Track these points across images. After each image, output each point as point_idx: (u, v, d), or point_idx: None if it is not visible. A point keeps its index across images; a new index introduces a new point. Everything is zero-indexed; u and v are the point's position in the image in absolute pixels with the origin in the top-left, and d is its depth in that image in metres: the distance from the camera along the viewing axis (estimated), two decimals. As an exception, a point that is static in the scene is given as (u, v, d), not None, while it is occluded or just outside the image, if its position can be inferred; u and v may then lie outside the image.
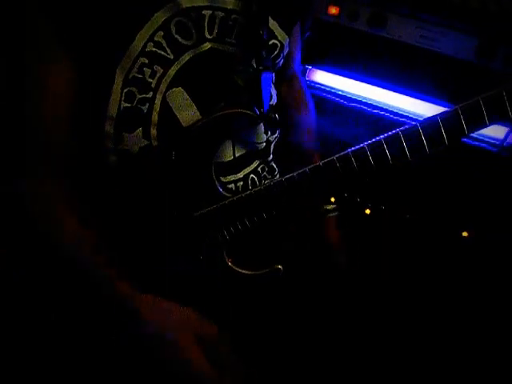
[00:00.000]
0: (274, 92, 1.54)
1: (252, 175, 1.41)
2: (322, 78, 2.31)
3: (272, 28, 1.38)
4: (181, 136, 1.26)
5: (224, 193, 1.31)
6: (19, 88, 1.14)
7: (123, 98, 1.20)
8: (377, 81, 2.26)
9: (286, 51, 1.45)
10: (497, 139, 2.11)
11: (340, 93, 2.30)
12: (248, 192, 1.28)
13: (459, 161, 2.11)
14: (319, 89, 2.32)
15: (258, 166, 1.44)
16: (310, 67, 2.31)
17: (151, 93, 1.22)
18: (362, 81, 2.27)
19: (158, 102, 1.23)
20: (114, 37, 1.14)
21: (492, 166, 2.13)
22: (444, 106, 2.15)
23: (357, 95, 2.29)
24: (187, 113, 1.26)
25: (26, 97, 1.15)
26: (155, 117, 1.24)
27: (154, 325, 1.11)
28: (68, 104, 1.17)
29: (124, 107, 1.21)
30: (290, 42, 1.48)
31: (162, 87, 1.22)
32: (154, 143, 1.25)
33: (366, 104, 2.28)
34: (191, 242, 1.29)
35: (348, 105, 2.30)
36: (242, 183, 1.38)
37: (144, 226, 1.26)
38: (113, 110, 1.21)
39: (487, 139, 2.13)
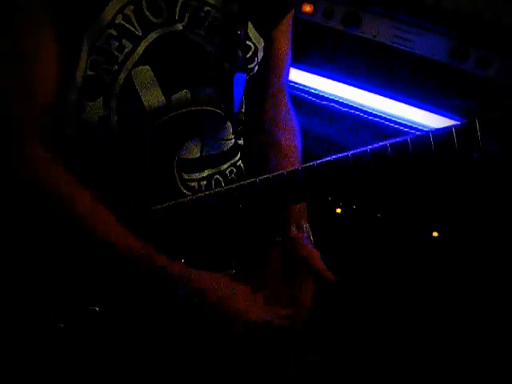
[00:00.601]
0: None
1: (217, 176, 1.39)
2: (296, 76, 2.31)
3: (247, 29, 1.35)
4: (144, 123, 1.25)
5: (184, 190, 1.30)
6: (7, 50, 1.16)
7: (88, 66, 1.20)
8: (350, 80, 2.27)
9: (260, 56, 1.41)
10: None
11: (313, 91, 2.31)
12: (213, 190, 1.27)
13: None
14: (292, 87, 2.31)
15: (226, 167, 1.42)
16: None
17: (116, 66, 1.21)
18: (336, 79, 2.28)
19: (122, 76, 1.21)
20: (86, 3, 1.15)
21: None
22: (416, 106, 2.18)
23: (330, 94, 2.29)
24: (150, 93, 1.24)
25: (15, 59, 1.16)
26: (117, 89, 1.22)
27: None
28: (54, 67, 1.18)
29: (88, 75, 1.20)
30: (273, 52, 1.47)
31: (129, 63, 1.21)
32: (113, 116, 1.23)
33: (338, 103, 2.29)
34: (146, 237, 1.25)
35: (320, 103, 2.30)
36: (205, 182, 1.36)
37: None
38: (79, 78, 1.20)
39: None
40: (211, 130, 1.35)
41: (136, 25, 1.20)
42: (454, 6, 1.98)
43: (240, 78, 1.36)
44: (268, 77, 1.54)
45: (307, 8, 2.26)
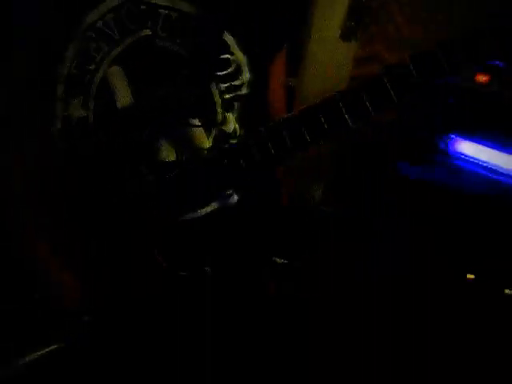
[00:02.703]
0: (230, 118, 1.47)
1: None
2: (468, 148, 2.24)
3: (229, 43, 1.40)
4: (114, 117, 1.34)
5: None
6: None
7: (73, 65, 1.32)
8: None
9: (246, 76, 1.43)
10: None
11: (485, 165, 2.20)
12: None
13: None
14: (464, 160, 2.25)
15: None
16: (454, 136, 2.26)
17: (94, 65, 1.33)
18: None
19: (98, 75, 1.33)
20: (72, 9, 1.30)
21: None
22: None
23: (504, 168, 2.16)
24: (122, 92, 1.34)
25: None
26: (94, 89, 1.34)
27: None
28: None
29: (72, 73, 1.33)
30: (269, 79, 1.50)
31: (105, 63, 1.33)
32: (91, 117, 1.35)
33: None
34: (120, 232, 1.31)
35: (494, 177, 2.18)
36: None
37: (79, 201, 1.32)
38: (63, 75, 1.33)
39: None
40: (182, 134, 1.40)
41: (114, 29, 1.33)
42: None
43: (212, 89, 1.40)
44: (270, 103, 1.57)
45: (482, 78, 2.17)
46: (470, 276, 2.11)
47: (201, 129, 1.42)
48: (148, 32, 1.35)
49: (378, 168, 2.37)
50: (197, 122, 1.40)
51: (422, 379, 1.93)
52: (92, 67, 1.33)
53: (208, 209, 1.42)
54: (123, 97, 1.35)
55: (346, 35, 2.10)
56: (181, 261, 1.33)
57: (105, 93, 1.35)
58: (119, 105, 1.35)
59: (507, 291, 2.02)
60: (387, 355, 1.96)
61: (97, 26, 1.32)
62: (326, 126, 1.21)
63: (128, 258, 1.32)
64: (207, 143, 1.42)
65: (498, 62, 1.14)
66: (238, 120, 1.47)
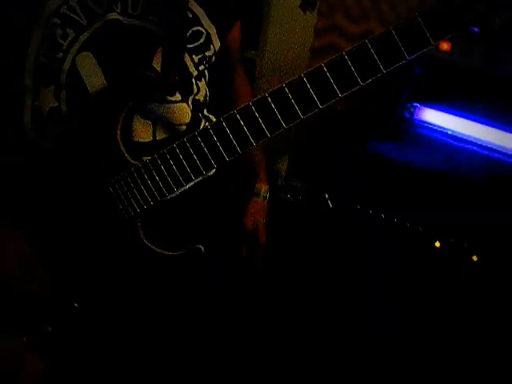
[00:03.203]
0: (202, 86, 1.48)
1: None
2: (431, 116, 2.24)
3: (198, 14, 1.38)
4: (87, 104, 1.30)
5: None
6: None
7: (40, 53, 1.28)
8: (489, 120, 2.11)
9: (217, 45, 1.44)
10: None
11: (449, 132, 2.21)
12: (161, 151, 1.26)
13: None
14: (427, 128, 2.25)
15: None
16: (418, 105, 2.25)
17: (61, 54, 1.28)
18: (473, 120, 2.14)
19: (67, 64, 1.29)
20: None
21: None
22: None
23: (467, 135, 2.17)
24: (94, 78, 1.30)
25: None
26: (64, 78, 1.30)
27: None
28: None
29: (40, 62, 1.29)
30: (229, 43, 1.50)
31: (73, 50, 1.28)
32: (63, 107, 1.32)
33: (475, 144, 2.15)
34: (104, 215, 1.30)
35: (457, 144, 2.19)
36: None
37: (56, 192, 1.30)
38: (29, 64, 1.29)
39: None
40: (160, 112, 1.38)
41: (81, 14, 1.28)
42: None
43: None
44: (231, 63, 1.61)
45: (445, 46, 2.16)
46: (437, 244, 2.12)
47: (180, 103, 1.41)
48: (115, 15, 1.30)
49: (343, 143, 2.36)
50: (176, 97, 1.39)
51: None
52: (59, 55, 1.29)
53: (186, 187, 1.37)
54: (95, 81, 1.31)
55: (306, 5, 2.05)
56: (169, 241, 1.32)
57: (75, 80, 1.31)
58: (91, 90, 1.31)
59: (475, 258, 2.04)
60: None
61: (61, 11, 1.27)
62: (315, 97, 1.16)
63: (114, 245, 1.31)
64: (188, 117, 1.43)
65: (475, 29, 1.10)
66: (208, 86, 1.49)
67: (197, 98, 1.46)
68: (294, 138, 2.56)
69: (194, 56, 1.41)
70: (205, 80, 1.47)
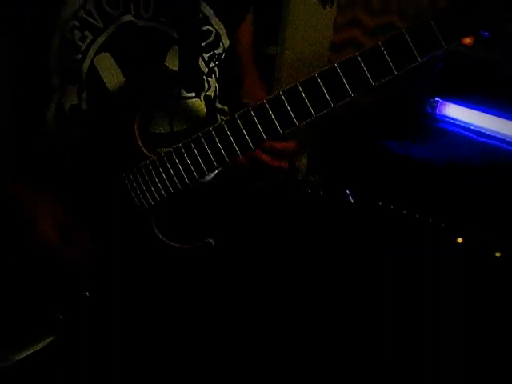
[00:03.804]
0: (213, 82, 1.54)
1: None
2: (453, 111, 2.21)
3: (207, 14, 1.43)
4: (106, 99, 1.36)
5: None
6: None
7: (61, 54, 1.33)
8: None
9: (226, 43, 1.49)
10: None
11: (472, 127, 2.18)
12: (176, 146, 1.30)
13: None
14: (449, 123, 2.23)
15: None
16: (440, 100, 2.23)
17: (80, 55, 1.33)
18: (497, 115, 2.12)
19: (85, 64, 1.34)
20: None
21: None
22: None
23: (489, 130, 2.14)
24: (113, 78, 1.36)
25: None
26: (84, 78, 1.35)
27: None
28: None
29: (62, 63, 1.34)
30: (239, 39, 1.56)
31: (91, 52, 1.34)
32: (84, 105, 1.37)
33: (499, 139, 2.12)
34: (119, 207, 1.34)
35: (479, 139, 2.16)
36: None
37: (76, 188, 1.35)
38: (54, 65, 1.34)
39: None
40: (177, 106, 1.44)
41: (97, 18, 1.33)
42: None
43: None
44: (242, 62, 1.65)
45: (467, 40, 2.13)
46: (460, 240, 2.10)
47: (196, 99, 1.48)
48: (130, 18, 1.36)
49: (362, 140, 2.35)
50: (191, 93, 1.46)
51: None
52: (78, 57, 1.34)
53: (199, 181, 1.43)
54: (114, 80, 1.36)
55: (325, 0, 2.06)
56: (180, 234, 1.35)
57: (95, 80, 1.36)
58: (110, 88, 1.36)
59: (497, 254, 2.02)
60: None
61: (79, 15, 1.32)
62: (327, 96, 1.19)
63: (129, 237, 1.35)
64: (203, 111, 1.50)
65: (485, 33, 1.11)
66: (218, 82, 1.55)
67: (208, 94, 1.53)
68: (314, 133, 2.54)
69: (204, 54, 1.47)
70: (215, 76, 1.53)
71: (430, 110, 2.23)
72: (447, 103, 2.22)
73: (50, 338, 1.21)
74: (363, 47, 1.17)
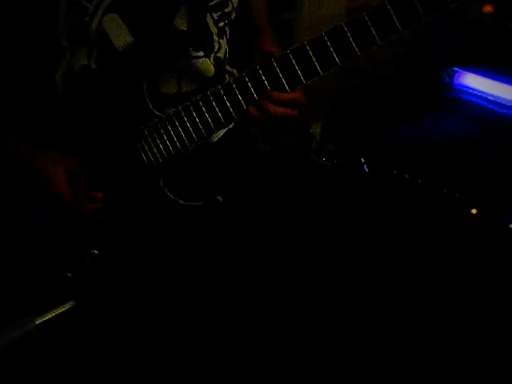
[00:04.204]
0: (223, 44, 1.53)
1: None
2: (473, 81, 2.18)
3: None
4: (115, 59, 1.36)
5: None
6: None
7: (70, 16, 1.33)
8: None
9: (234, 1, 1.48)
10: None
11: (490, 98, 2.15)
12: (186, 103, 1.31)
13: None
14: (468, 92, 2.19)
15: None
16: (458, 69, 2.19)
17: (88, 17, 1.33)
18: (516, 85, 2.08)
19: (94, 26, 1.34)
20: None
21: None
22: None
23: (508, 100, 2.11)
24: (121, 37, 1.36)
25: None
26: (92, 38, 1.35)
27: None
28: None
29: (70, 25, 1.34)
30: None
31: (99, 13, 1.34)
32: (93, 65, 1.38)
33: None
34: (128, 165, 1.36)
35: (500, 111, 2.13)
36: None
37: (86, 147, 1.37)
38: (61, 27, 1.35)
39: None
40: (185, 66, 1.43)
41: None
42: None
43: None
44: (254, 22, 1.63)
45: (488, 8, 2.09)
46: (474, 211, 2.09)
47: (204, 59, 1.46)
48: None
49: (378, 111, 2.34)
50: (199, 53, 1.44)
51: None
52: (86, 18, 1.34)
53: (214, 138, 1.49)
54: (122, 40, 1.36)
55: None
56: (188, 192, 1.37)
57: (104, 41, 1.36)
58: (119, 48, 1.36)
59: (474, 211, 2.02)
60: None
61: None
62: (334, 55, 1.21)
63: (137, 195, 1.37)
64: (211, 71, 1.48)
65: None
66: (228, 43, 1.54)
67: (218, 55, 1.50)
68: (328, 102, 2.52)
69: (213, 14, 1.45)
70: (226, 37, 1.52)
71: (447, 80, 2.20)
72: (466, 72, 2.19)
73: (70, 303, 1.23)
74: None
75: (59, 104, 1.39)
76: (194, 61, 1.45)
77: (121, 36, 1.36)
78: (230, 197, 1.41)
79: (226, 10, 1.48)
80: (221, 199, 1.39)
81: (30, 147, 1.33)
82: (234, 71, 1.56)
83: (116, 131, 1.35)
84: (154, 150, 1.34)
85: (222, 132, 1.50)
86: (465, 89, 2.19)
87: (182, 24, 1.39)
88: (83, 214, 1.34)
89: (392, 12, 1.16)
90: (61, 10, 1.33)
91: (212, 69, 1.49)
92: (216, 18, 1.46)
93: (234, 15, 1.50)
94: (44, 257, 1.37)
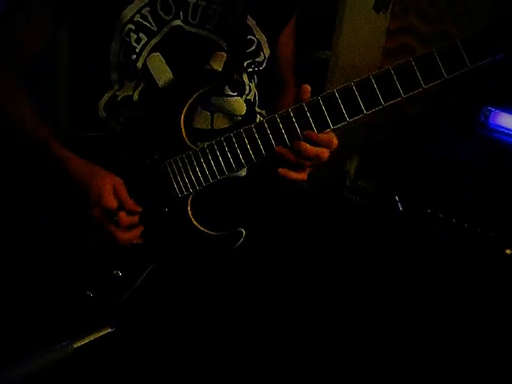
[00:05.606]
0: (252, 87, 1.65)
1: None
2: (508, 121, 2.18)
3: (250, 25, 1.54)
4: (156, 93, 1.49)
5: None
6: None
7: (121, 54, 1.47)
8: None
9: (266, 52, 1.59)
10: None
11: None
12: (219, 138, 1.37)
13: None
14: (503, 132, 2.20)
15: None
16: (493, 109, 2.20)
17: (134, 56, 1.47)
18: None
19: (139, 64, 1.47)
20: (111, 6, 1.44)
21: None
22: None
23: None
24: (163, 75, 1.49)
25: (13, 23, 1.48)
26: (139, 75, 1.49)
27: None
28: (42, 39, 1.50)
29: (121, 61, 1.48)
30: (281, 53, 1.68)
31: (145, 53, 1.47)
32: (135, 96, 1.50)
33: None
34: (159, 192, 1.43)
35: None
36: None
37: (121, 171, 1.43)
38: (113, 63, 1.49)
39: None
40: (220, 103, 1.55)
41: (152, 22, 1.47)
42: None
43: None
44: (281, 73, 1.76)
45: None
46: (508, 251, 2.07)
47: (236, 98, 1.58)
48: (179, 22, 1.49)
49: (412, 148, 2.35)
50: (234, 93, 1.57)
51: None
52: (133, 57, 1.47)
53: (242, 173, 1.63)
54: (164, 77, 1.49)
55: (379, 6, 2.07)
56: (213, 222, 1.44)
57: (147, 77, 1.49)
58: (160, 85, 1.49)
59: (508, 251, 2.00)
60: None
61: (135, 19, 1.45)
62: (380, 96, 1.25)
63: (164, 220, 1.44)
64: (243, 110, 1.60)
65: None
66: (257, 88, 1.67)
67: (248, 97, 1.64)
68: (363, 139, 2.54)
69: (246, 61, 1.58)
70: (254, 82, 1.66)
71: (483, 119, 2.21)
72: (501, 112, 2.20)
73: (108, 329, 1.25)
74: (416, 53, 1.21)
75: (102, 128, 1.51)
76: (228, 99, 1.57)
77: (163, 73, 1.49)
78: (252, 230, 1.45)
79: (258, 60, 1.59)
80: (244, 231, 1.43)
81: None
82: (263, 112, 1.69)
83: (150, 160, 1.44)
84: (186, 179, 1.41)
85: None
86: (500, 129, 2.21)
87: (217, 66, 1.50)
88: (121, 225, 1.37)
89: (439, 60, 1.20)
90: (113, 47, 1.47)
91: (244, 108, 1.61)
92: (245, 65, 1.57)
93: (264, 65, 1.62)
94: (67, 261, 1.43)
